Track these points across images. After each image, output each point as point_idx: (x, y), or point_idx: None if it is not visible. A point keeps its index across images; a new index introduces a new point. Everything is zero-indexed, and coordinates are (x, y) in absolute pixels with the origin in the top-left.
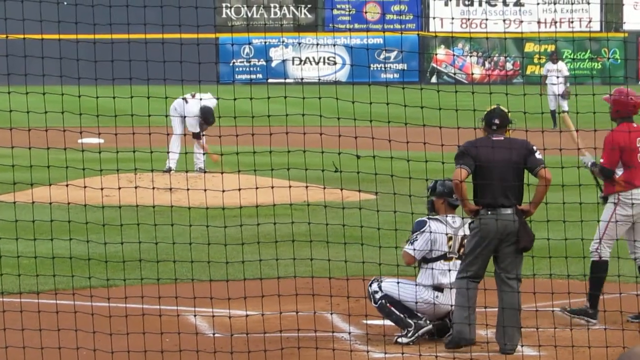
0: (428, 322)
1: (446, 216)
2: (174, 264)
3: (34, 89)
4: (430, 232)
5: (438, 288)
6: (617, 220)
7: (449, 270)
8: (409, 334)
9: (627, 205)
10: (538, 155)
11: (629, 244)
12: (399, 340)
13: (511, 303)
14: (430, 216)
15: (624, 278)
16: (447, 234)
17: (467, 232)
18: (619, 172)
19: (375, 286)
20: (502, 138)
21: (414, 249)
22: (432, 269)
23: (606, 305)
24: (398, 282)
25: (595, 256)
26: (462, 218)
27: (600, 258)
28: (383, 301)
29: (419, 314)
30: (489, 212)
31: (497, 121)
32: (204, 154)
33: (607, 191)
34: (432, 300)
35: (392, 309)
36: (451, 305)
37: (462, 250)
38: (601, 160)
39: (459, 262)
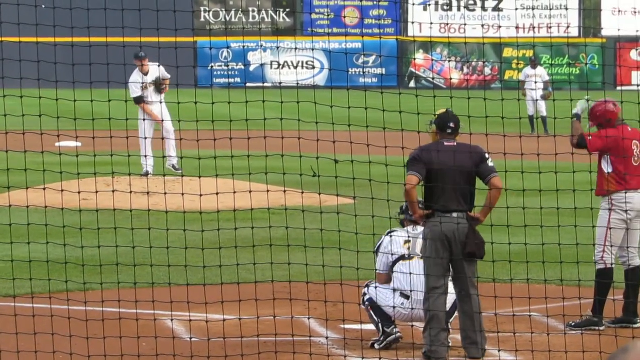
0: (396, 331)
1: (408, 227)
2: (151, 268)
3: (11, 92)
4: (384, 247)
5: (404, 295)
6: (613, 226)
7: (410, 274)
8: (379, 341)
9: (621, 210)
10: (490, 162)
11: (619, 248)
12: (375, 345)
13: (470, 308)
14: (391, 230)
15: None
16: (404, 239)
17: None
18: (609, 169)
19: (366, 289)
20: (455, 143)
21: (379, 269)
22: (394, 271)
23: (583, 311)
24: (376, 287)
25: (601, 264)
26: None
27: (606, 266)
28: (367, 304)
29: (391, 322)
30: (440, 217)
31: (451, 124)
32: (180, 157)
33: (599, 193)
34: (401, 306)
35: (372, 312)
36: (422, 310)
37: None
38: (589, 134)
39: (421, 262)
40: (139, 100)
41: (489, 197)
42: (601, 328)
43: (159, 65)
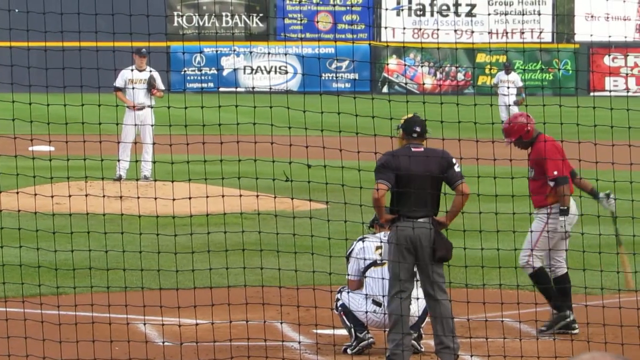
0: (369, 336)
1: (379, 233)
2: (123, 272)
3: None
4: (356, 253)
5: (376, 302)
6: (549, 230)
7: (382, 279)
8: (352, 346)
9: (558, 219)
10: (457, 168)
11: (550, 254)
12: (347, 350)
13: (440, 313)
14: (362, 236)
15: (573, 289)
16: (376, 245)
17: None
18: (551, 183)
19: (339, 294)
20: (422, 149)
21: (350, 275)
22: (366, 276)
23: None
24: (348, 292)
25: (528, 269)
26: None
27: (534, 270)
28: (340, 309)
29: (363, 327)
30: (405, 221)
31: (417, 129)
32: (153, 162)
33: (539, 204)
34: (373, 312)
35: (344, 317)
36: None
37: None
38: (555, 173)
39: None
40: (117, 89)
41: (455, 203)
42: (575, 325)
43: (151, 71)
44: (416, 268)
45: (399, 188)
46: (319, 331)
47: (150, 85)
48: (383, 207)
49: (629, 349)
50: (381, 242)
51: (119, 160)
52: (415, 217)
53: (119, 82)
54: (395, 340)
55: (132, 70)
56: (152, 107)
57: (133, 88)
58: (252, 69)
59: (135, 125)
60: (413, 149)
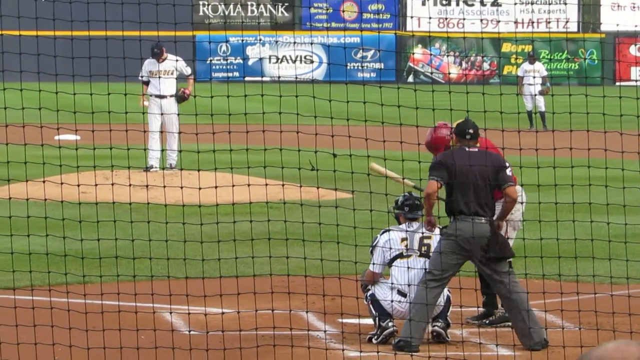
0: (391, 325)
1: (403, 224)
2: (150, 261)
3: (11, 85)
4: (382, 244)
5: (401, 292)
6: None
7: (408, 268)
8: (376, 335)
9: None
10: (509, 172)
11: None
12: (372, 339)
13: (517, 305)
14: (387, 228)
15: (598, 278)
16: (401, 237)
17: (425, 233)
18: None
19: (369, 285)
20: (477, 150)
21: (374, 264)
22: (392, 266)
23: (581, 306)
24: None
25: None
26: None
27: None
28: (369, 298)
29: (387, 316)
30: (460, 220)
31: (470, 131)
32: (179, 151)
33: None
34: (398, 302)
35: (371, 306)
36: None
37: (424, 249)
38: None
39: (421, 259)
40: (143, 82)
41: (504, 205)
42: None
43: (177, 60)
44: (476, 267)
45: (453, 186)
46: (345, 320)
47: (180, 96)
48: (433, 204)
49: None
50: (406, 233)
51: (146, 149)
52: (470, 216)
53: (144, 74)
54: (412, 328)
55: (153, 63)
56: (172, 96)
57: (159, 77)
58: (278, 59)
59: (162, 114)
60: (467, 150)
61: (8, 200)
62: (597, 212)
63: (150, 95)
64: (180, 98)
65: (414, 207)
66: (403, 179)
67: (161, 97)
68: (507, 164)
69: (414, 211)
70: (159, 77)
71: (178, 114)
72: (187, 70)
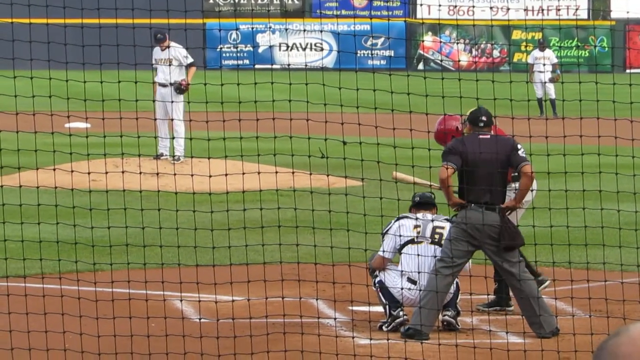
0: (402, 314)
1: (417, 214)
2: (160, 249)
3: (21, 73)
4: (394, 232)
5: (411, 280)
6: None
7: (418, 255)
8: (386, 323)
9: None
10: (522, 152)
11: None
12: (383, 327)
13: (529, 292)
14: (401, 215)
15: (608, 266)
16: (414, 224)
17: (438, 223)
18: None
19: (377, 271)
20: (489, 136)
21: (384, 251)
22: (402, 253)
23: (591, 293)
24: (384, 269)
25: None
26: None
27: None
28: (377, 286)
29: (397, 304)
30: (472, 208)
31: (484, 118)
32: (187, 138)
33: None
34: (408, 289)
35: (380, 294)
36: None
37: (436, 237)
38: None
39: (432, 247)
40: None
41: (521, 184)
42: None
43: (170, 47)
44: (485, 256)
45: (466, 175)
46: (355, 308)
47: (178, 86)
48: (451, 188)
49: None
50: (418, 221)
51: (156, 137)
52: (484, 203)
53: (153, 62)
54: (422, 316)
55: (157, 51)
56: (173, 86)
57: (161, 65)
58: (288, 46)
59: (164, 102)
60: (480, 136)
61: (19, 188)
62: (607, 200)
63: (155, 83)
64: (178, 88)
65: (424, 198)
66: (430, 185)
67: (163, 85)
68: (519, 146)
69: (423, 205)
70: (161, 65)
71: (182, 102)
72: (186, 60)
